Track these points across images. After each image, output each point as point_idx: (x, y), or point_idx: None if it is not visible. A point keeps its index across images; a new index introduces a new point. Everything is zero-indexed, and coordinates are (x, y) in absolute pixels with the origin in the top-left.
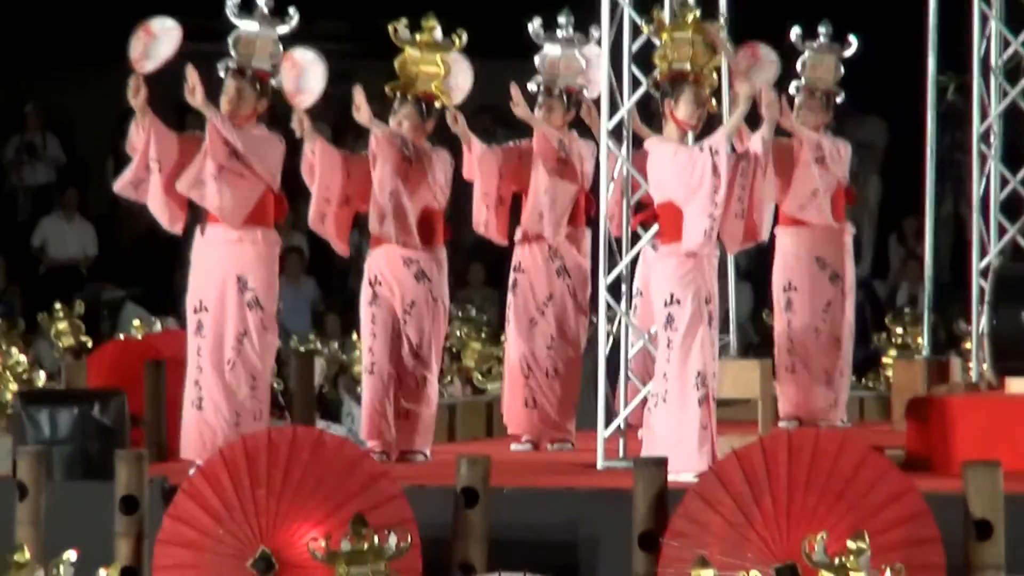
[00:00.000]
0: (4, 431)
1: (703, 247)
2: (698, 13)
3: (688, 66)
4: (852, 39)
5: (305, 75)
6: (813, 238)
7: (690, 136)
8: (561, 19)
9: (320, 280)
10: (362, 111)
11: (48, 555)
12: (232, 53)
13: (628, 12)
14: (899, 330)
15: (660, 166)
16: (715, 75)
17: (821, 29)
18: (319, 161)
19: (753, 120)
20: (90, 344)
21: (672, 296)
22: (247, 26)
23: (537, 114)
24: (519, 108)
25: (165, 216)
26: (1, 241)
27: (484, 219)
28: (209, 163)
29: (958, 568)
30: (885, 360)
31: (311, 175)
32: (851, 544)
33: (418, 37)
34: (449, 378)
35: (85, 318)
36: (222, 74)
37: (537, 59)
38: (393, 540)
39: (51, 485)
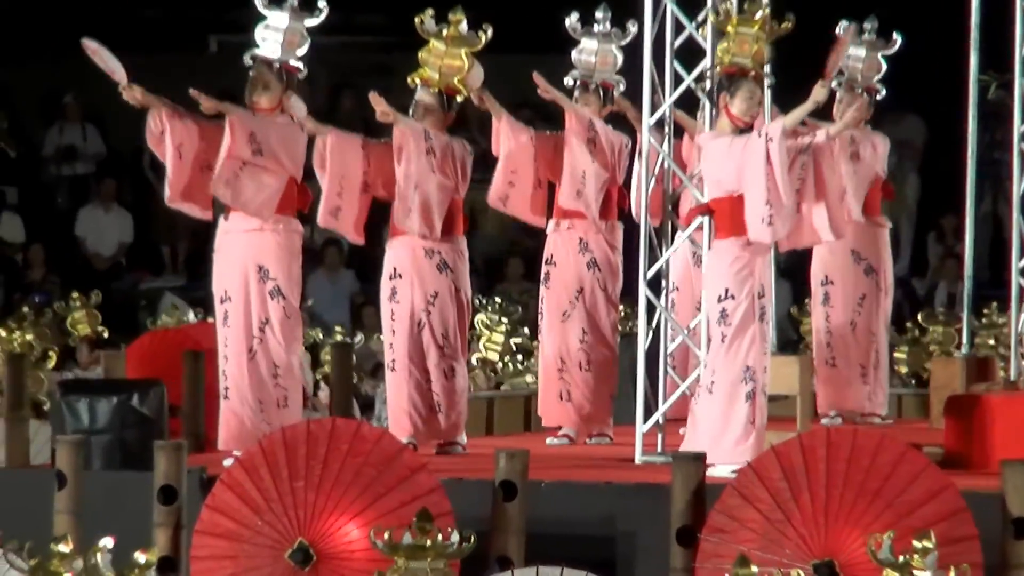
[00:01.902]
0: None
1: (765, 235)
2: (767, 11)
3: (749, 62)
4: (896, 37)
5: None
6: (848, 231)
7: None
8: (598, 14)
9: (359, 272)
10: (387, 115)
11: (86, 545)
12: (259, 44)
13: (671, 7)
14: (912, 331)
15: (715, 160)
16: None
17: (866, 25)
18: (332, 152)
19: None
20: (107, 334)
21: (727, 291)
22: (276, 18)
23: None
24: (547, 92)
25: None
26: (40, 231)
27: (504, 194)
28: (233, 162)
29: (995, 566)
30: (897, 355)
31: (322, 168)
32: (917, 543)
33: (444, 30)
34: (475, 370)
35: (122, 308)
36: (248, 63)
37: (574, 54)
38: (456, 538)
39: (90, 475)
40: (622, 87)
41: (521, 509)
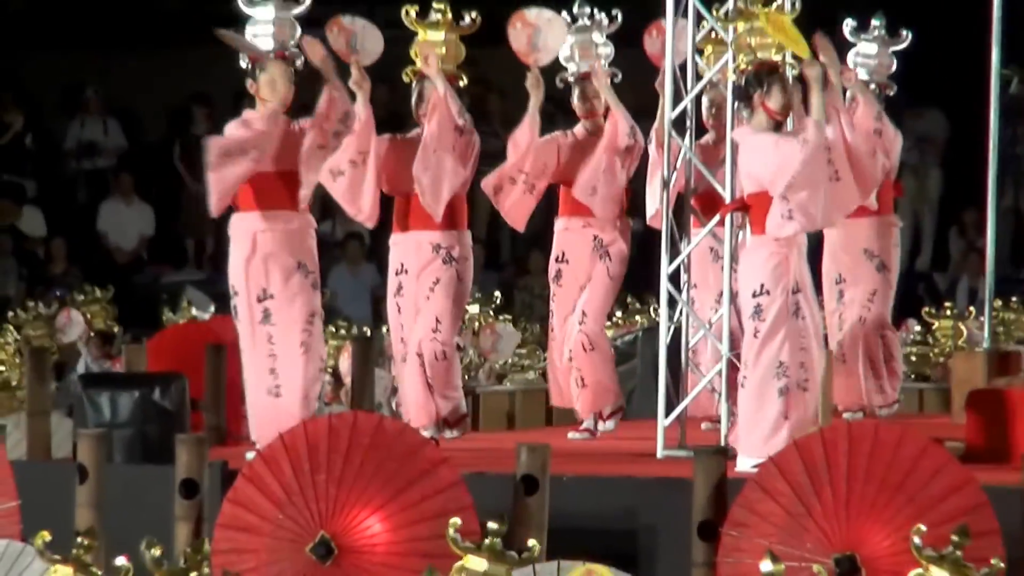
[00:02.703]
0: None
1: (786, 231)
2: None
3: (778, 56)
4: (905, 33)
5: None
6: (860, 229)
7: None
8: (575, 8)
9: (380, 266)
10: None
11: (108, 538)
12: (270, 39)
13: (693, 2)
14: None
15: (756, 156)
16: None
17: (874, 22)
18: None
19: None
20: (116, 328)
21: (762, 287)
22: (262, 13)
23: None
24: (601, 82)
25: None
26: (62, 225)
27: (501, 185)
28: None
29: (1017, 561)
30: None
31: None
32: (955, 537)
33: (434, 18)
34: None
35: (143, 302)
36: (244, 64)
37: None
38: (534, 546)
39: (111, 468)
40: (617, 79)
41: (542, 503)
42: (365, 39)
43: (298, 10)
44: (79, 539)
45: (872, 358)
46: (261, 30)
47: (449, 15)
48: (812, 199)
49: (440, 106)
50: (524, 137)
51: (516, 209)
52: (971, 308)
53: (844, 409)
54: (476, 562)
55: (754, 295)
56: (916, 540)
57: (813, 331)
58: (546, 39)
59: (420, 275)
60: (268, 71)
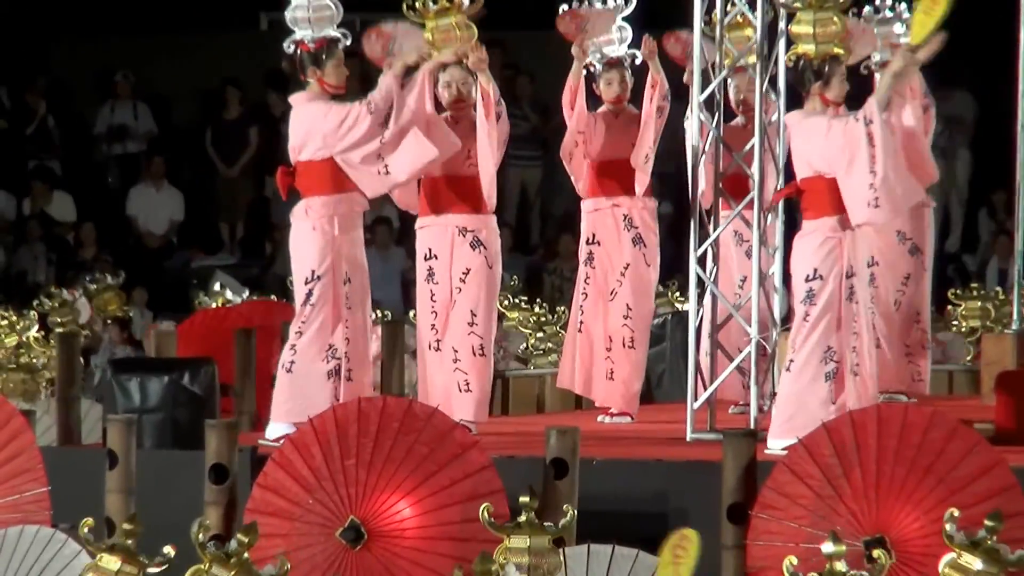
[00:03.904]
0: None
1: (873, 217)
2: None
3: (839, 48)
4: (904, 9)
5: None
6: None
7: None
8: None
9: (410, 250)
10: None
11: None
12: (340, 28)
13: None
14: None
15: (809, 140)
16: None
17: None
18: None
19: None
20: (132, 314)
21: (815, 271)
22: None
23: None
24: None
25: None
26: (92, 209)
27: (571, 151)
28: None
29: None
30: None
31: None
32: (988, 523)
33: (436, 4)
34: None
35: (174, 287)
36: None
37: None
38: (569, 516)
39: (141, 454)
40: (638, 61)
41: (572, 487)
42: (405, 42)
43: None
44: (124, 526)
45: (907, 343)
46: (319, 13)
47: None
48: (897, 181)
49: (487, 98)
50: (573, 100)
51: (580, 171)
52: (998, 288)
53: (880, 392)
54: (518, 540)
55: (807, 280)
56: (948, 527)
57: (865, 315)
58: (594, 24)
59: (451, 262)
60: (336, 56)
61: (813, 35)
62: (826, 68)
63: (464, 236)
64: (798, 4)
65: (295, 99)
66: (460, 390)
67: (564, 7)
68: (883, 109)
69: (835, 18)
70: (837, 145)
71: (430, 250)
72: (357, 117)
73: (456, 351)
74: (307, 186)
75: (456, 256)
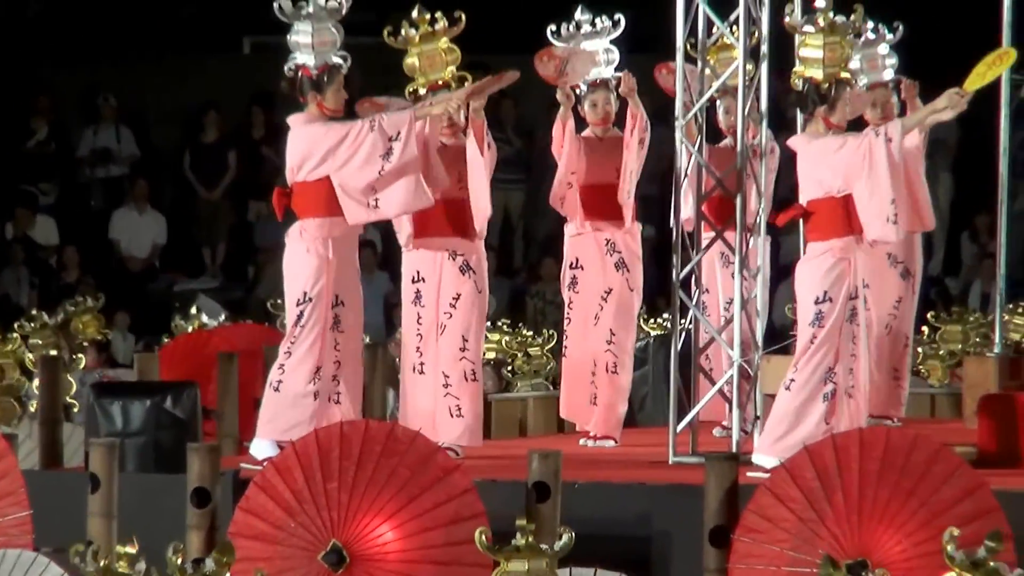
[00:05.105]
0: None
1: (889, 234)
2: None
3: (846, 72)
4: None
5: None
6: None
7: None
8: (578, 15)
9: (393, 274)
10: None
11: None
12: (340, 52)
13: (703, 8)
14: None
15: (821, 160)
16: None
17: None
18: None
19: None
20: (110, 336)
21: (824, 294)
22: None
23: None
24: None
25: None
26: (74, 233)
27: (563, 195)
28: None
29: None
30: None
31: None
32: (988, 543)
33: (418, 30)
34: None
35: (156, 310)
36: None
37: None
38: (566, 538)
39: (123, 477)
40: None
41: (554, 510)
42: (575, 63)
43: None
44: (119, 550)
45: (896, 367)
46: (322, 38)
47: (443, 23)
48: (907, 199)
49: (478, 131)
50: (563, 141)
51: (573, 212)
52: (977, 312)
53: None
54: (517, 564)
55: (816, 302)
56: (949, 548)
57: (864, 337)
58: (574, 66)
59: (440, 285)
60: (337, 80)
61: (822, 59)
62: (832, 92)
63: (454, 260)
64: (809, 28)
65: (293, 120)
66: (452, 415)
67: (552, 26)
68: (903, 135)
69: (843, 42)
70: (856, 159)
71: (418, 272)
72: (359, 133)
73: (447, 376)
74: (303, 207)
75: (445, 280)
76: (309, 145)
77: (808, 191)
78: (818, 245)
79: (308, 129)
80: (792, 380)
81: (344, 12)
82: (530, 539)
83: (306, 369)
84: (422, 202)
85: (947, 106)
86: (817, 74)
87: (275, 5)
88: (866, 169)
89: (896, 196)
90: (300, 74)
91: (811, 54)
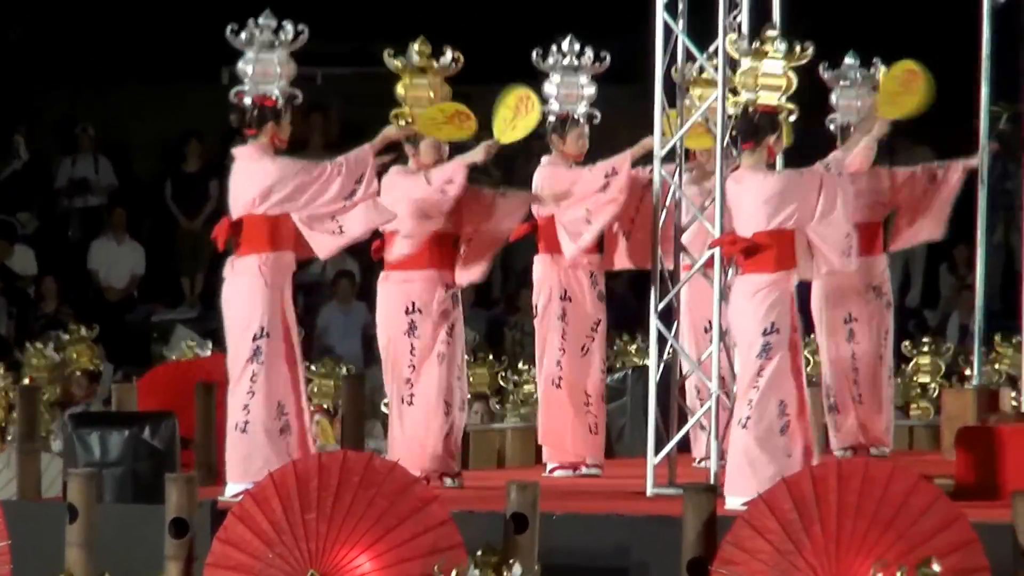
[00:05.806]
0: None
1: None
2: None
3: (782, 99)
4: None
5: None
6: (867, 267)
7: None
8: (564, 46)
9: (371, 304)
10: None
11: None
12: (283, 84)
13: (682, 39)
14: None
15: (769, 193)
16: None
17: (848, 60)
18: None
19: None
20: (102, 367)
21: (772, 325)
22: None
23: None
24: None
25: None
26: (53, 263)
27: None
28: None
29: None
30: None
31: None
32: (925, 569)
33: (416, 62)
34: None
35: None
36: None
37: (546, 86)
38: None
39: (101, 507)
40: (596, 120)
41: (532, 541)
42: None
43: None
44: None
45: (882, 398)
46: (276, 71)
47: (432, 62)
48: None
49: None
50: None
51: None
52: (949, 345)
53: (866, 445)
54: None
55: (764, 333)
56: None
57: (802, 367)
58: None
59: (437, 316)
60: (288, 115)
61: (782, 87)
62: (775, 121)
63: (447, 291)
64: (778, 50)
65: (241, 153)
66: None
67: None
68: (845, 160)
69: (790, 72)
70: (812, 194)
71: (414, 303)
72: (330, 176)
73: (450, 407)
74: (257, 240)
75: (440, 311)
76: (278, 178)
77: (754, 224)
78: (764, 277)
79: (276, 162)
80: (748, 418)
81: (301, 44)
82: (493, 560)
83: (270, 406)
84: (384, 216)
85: (884, 132)
86: (772, 101)
87: (242, 34)
88: (825, 204)
89: (852, 228)
90: (259, 104)
91: (771, 81)
